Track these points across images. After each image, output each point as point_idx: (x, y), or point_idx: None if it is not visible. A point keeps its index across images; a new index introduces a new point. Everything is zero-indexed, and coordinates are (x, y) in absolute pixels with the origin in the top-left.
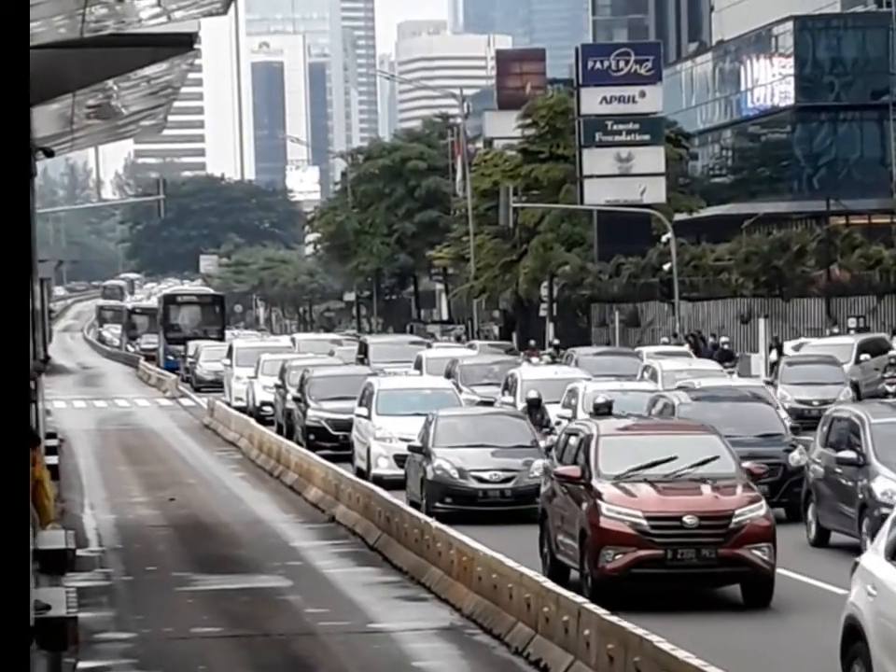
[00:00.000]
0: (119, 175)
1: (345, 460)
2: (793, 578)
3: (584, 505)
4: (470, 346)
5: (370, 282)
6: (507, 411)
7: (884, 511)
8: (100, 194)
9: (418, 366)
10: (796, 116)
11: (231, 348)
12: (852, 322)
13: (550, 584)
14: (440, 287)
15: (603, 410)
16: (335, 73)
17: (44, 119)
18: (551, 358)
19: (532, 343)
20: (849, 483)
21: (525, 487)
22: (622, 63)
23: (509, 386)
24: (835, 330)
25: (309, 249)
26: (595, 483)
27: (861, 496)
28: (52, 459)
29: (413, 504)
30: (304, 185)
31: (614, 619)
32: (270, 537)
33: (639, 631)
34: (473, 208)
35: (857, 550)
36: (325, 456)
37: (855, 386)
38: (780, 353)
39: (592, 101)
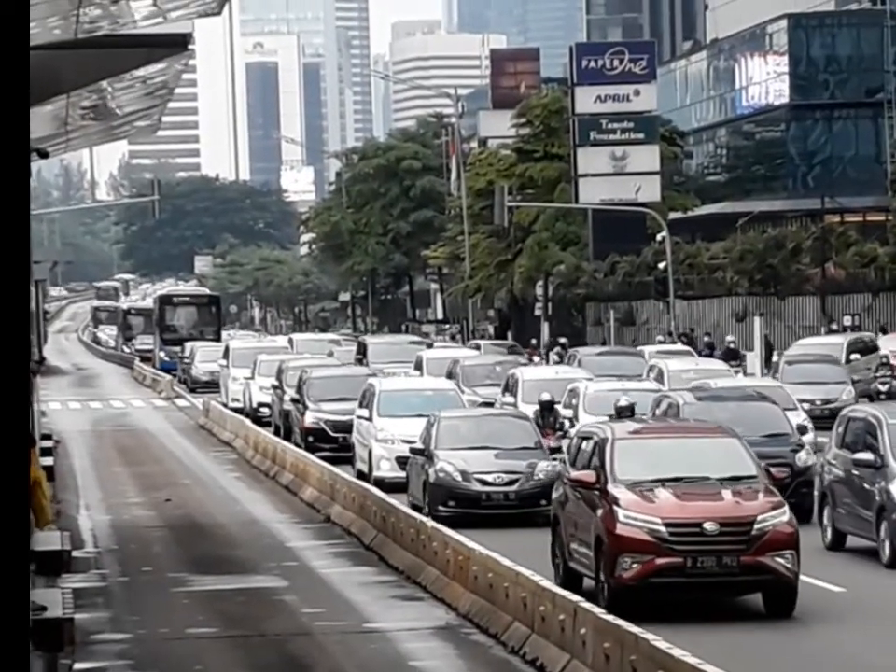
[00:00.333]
0: (113, 176)
1: (345, 462)
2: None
3: (600, 511)
4: (475, 347)
5: (365, 282)
6: (510, 412)
7: None
8: (94, 195)
9: (418, 366)
10: (791, 114)
11: (227, 349)
12: (847, 320)
13: (546, 583)
14: (435, 286)
15: (626, 413)
16: (329, 73)
17: (38, 120)
18: (559, 358)
19: (533, 342)
20: (866, 486)
21: (530, 490)
22: (616, 62)
23: (509, 387)
24: (834, 328)
25: (304, 249)
26: (610, 488)
27: (878, 498)
28: (48, 460)
29: (415, 507)
30: (299, 185)
31: (610, 617)
32: (265, 537)
33: (635, 629)
34: (468, 207)
35: (874, 554)
36: (324, 458)
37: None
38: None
39: (586, 100)
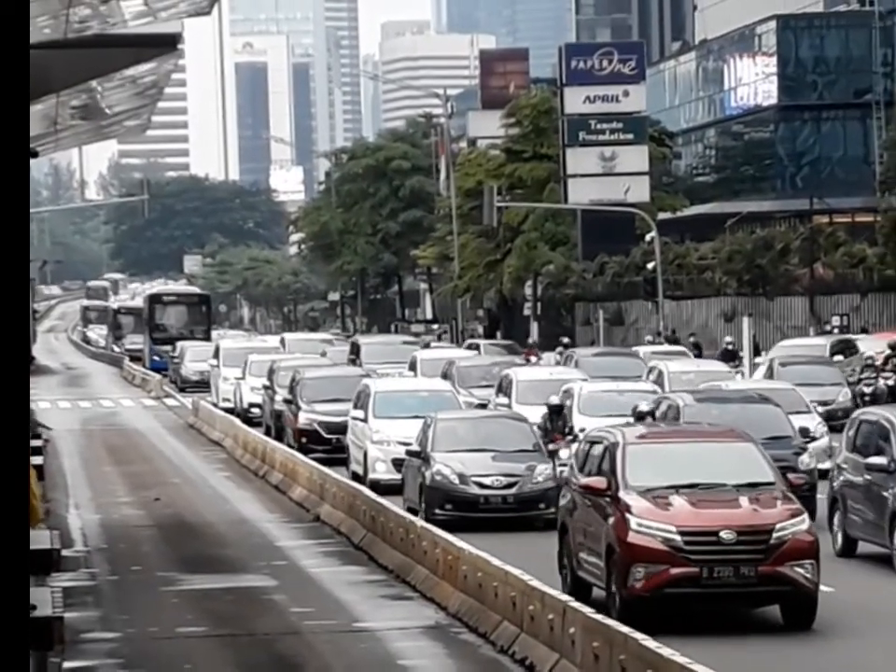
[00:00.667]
0: (102, 176)
1: (339, 464)
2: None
3: (611, 519)
4: (474, 347)
5: (354, 281)
6: (508, 413)
7: None
8: (84, 194)
9: (412, 367)
10: (779, 115)
11: (217, 349)
12: (836, 320)
13: (535, 583)
14: (424, 286)
15: (646, 417)
16: (319, 73)
17: None
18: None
19: (531, 341)
20: (879, 491)
21: (529, 493)
22: (605, 63)
23: (503, 388)
24: (827, 328)
25: (293, 249)
26: (622, 494)
27: (892, 503)
28: (37, 459)
29: (411, 510)
30: (288, 185)
31: (599, 617)
32: (255, 536)
33: (624, 629)
34: (457, 207)
35: (887, 561)
36: (318, 460)
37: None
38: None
39: (575, 100)
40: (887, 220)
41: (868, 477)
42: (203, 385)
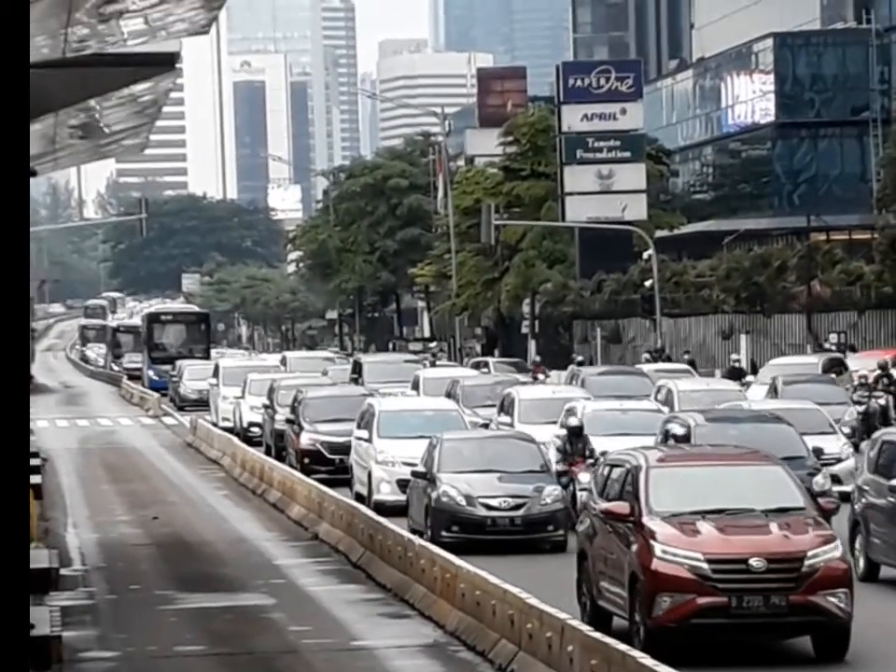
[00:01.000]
0: (101, 195)
1: (342, 485)
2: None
3: (634, 546)
4: (483, 365)
5: (352, 300)
6: (516, 434)
7: None
8: (82, 213)
9: (415, 386)
10: (776, 132)
11: (217, 367)
12: (833, 338)
13: (533, 601)
14: (422, 304)
15: (681, 441)
16: (317, 91)
17: None
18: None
19: (537, 358)
20: None
21: (537, 515)
22: (602, 81)
23: (504, 407)
24: (827, 346)
25: (291, 267)
26: (646, 520)
27: None
28: (35, 478)
29: (416, 532)
30: (286, 203)
31: (597, 635)
32: (253, 555)
33: (622, 647)
34: (455, 226)
35: None
36: (321, 481)
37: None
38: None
39: (573, 118)
40: (884, 238)
41: (891, 499)
42: (201, 403)
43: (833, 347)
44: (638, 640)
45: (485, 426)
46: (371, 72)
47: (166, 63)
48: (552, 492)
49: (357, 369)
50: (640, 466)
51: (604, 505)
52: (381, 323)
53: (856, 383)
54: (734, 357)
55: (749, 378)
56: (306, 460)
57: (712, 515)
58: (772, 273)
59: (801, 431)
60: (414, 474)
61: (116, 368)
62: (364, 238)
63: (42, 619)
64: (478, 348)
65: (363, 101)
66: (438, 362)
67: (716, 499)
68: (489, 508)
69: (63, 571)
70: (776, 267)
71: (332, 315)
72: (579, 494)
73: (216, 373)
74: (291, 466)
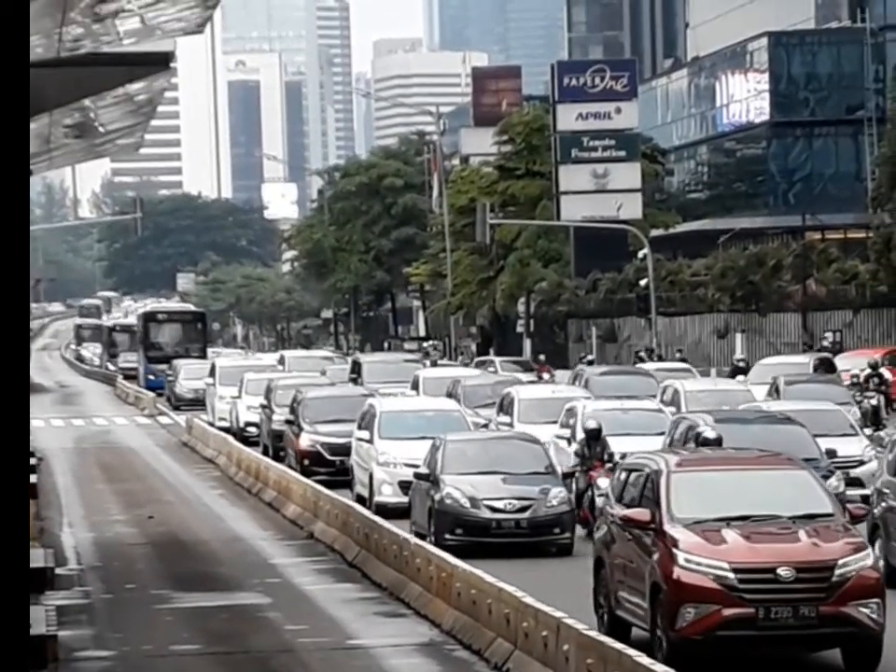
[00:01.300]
0: (95, 194)
1: (342, 486)
2: None
3: (656, 555)
4: (489, 364)
5: (347, 299)
6: (520, 434)
7: None
8: (77, 213)
9: (415, 386)
10: (771, 131)
11: (213, 367)
12: (829, 336)
13: (529, 599)
14: (417, 303)
15: (713, 445)
16: (311, 91)
17: None
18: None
19: (542, 357)
20: None
21: (543, 518)
22: (597, 80)
23: (504, 407)
24: (825, 344)
25: (286, 267)
26: (668, 528)
27: None
28: (31, 478)
29: (419, 535)
30: (281, 203)
31: (593, 634)
32: (249, 554)
33: (618, 645)
34: (450, 225)
35: None
36: (321, 482)
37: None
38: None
39: (568, 117)
40: (879, 237)
41: None
42: (197, 402)
43: (829, 346)
44: (660, 652)
45: (485, 426)
46: (365, 71)
47: (161, 62)
48: (557, 494)
49: (357, 369)
50: (660, 470)
51: (623, 512)
52: (376, 322)
53: (847, 382)
54: (737, 356)
55: (739, 378)
56: (306, 462)
57: (737, 522)
58: (767, 271)
59: (822, 433)
60: (417, 476)
61: (111, 367)
62: (359, 237)
63: (38, 618)
64: (473, 347)
65: (358, 100)
66: (439, 361)
67: (740, 506)
68: (494, 510)
69: (58, 571)
70: (771, 266)
71: (328, 314)
72: (597, 499)
73: (212, 373)
74: (290, 467)
